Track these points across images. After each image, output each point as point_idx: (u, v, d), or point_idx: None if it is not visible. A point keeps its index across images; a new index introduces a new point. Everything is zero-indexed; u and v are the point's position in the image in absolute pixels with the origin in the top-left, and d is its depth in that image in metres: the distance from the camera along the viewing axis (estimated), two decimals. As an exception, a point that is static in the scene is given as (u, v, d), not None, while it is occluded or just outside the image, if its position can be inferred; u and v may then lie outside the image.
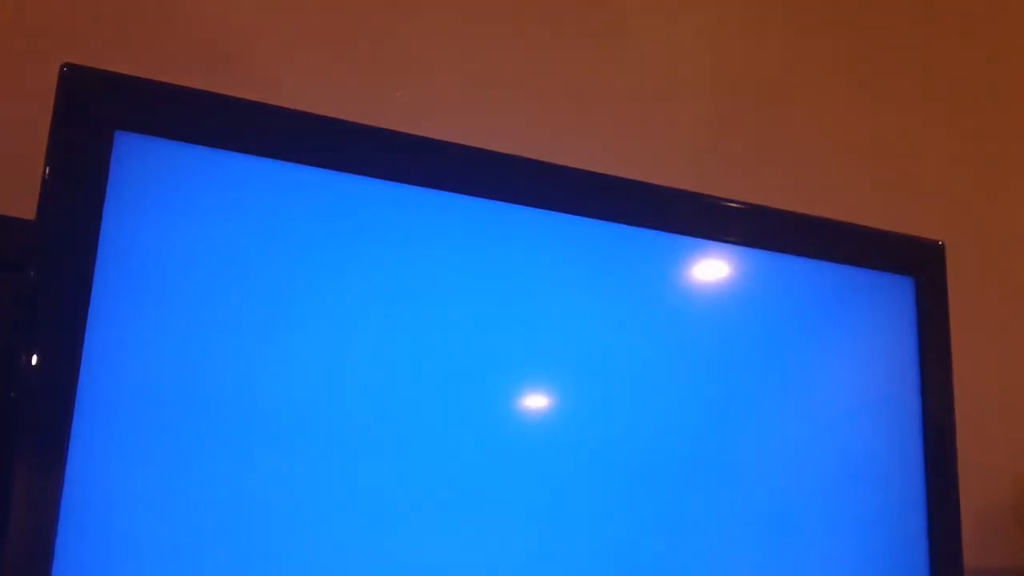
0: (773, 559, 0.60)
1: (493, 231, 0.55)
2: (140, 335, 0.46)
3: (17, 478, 0.43)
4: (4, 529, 0.43)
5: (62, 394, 0.44)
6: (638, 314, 0.58)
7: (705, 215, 0.62)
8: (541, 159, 0.58)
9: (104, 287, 0.46)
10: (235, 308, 0.49)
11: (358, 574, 0.49)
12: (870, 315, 0.66)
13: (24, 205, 0.49)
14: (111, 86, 0.48)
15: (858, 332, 0.65)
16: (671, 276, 0.60)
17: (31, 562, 0.43)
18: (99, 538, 0.44)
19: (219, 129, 0.50)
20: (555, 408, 0.55)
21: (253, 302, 0.49)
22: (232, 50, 0.73)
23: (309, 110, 0.52)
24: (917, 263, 0.68)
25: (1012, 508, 0.95)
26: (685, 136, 0.89)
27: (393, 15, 0.79)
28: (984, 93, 1.04)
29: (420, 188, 0.54)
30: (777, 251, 0.63)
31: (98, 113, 0.47)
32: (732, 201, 0.63)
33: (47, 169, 0.46)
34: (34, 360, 0.44)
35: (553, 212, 0.57)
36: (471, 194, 0.55)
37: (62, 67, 0.47)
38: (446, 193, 0.54)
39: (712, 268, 0.62)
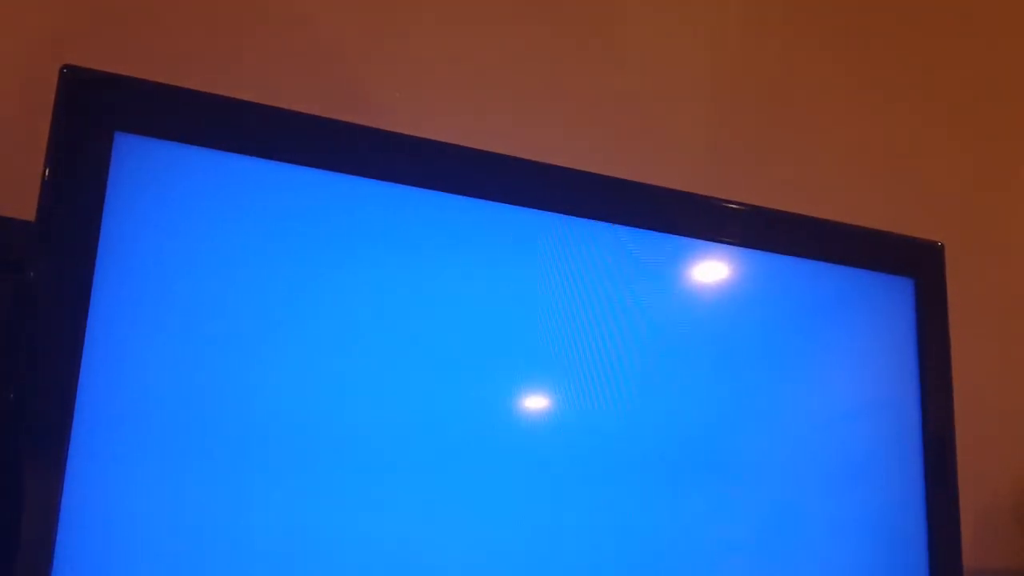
0: (773, 560, 0.60)
1: (492, 232, 0.55)
2: (140, 335, 0.47)
3: (17, 478, 0.43)
4: (4, 529, 0.43)
5: (62, 394, 0.44)
6: (638, 315, 0.58)
7: (704, 216, 0.62)
8: (540, 160, 0.58)
9: (104, 287, 0.46)
10: (234, 308, 0.49)
11: (358, 574, 0.49)
12: (870, 316, 0.66)
13: (24, 205, 0.49)
14: (111, 87, 0.48)
15: (857, 333, 0.65)
16: (670, 277, 0.60)
17: (31, 562, 0.43)
18: (99, 538, 0.45)
19: (219, 130, 0.50)
20: (554, 408, 0.55)
21: (252, 302, 0.49)
22: (232, 50, 0.73)
23: (308, 111, 0.52)
24: (917, 264, 0.68)
25: (1012, 509, 0.95)
26: (684, 137, 0.89)
27: (393, 15, 0.79)
28: (984, 93, 1.04)
29: (419, 189, 0.54)
30: (776, 252, 0.63)
31: (98, 114, 0.47)
32: (731, 202, 0.63)
33: (47, 170, 0.46)
34: (34, 360, 0.44)
35: (552, 213, 0.57)
36: (470, 195, 0.55)
37: (62, 68, 0.47)
38: (445, 194, 0.54)
39: (711, 269, 0.62)
